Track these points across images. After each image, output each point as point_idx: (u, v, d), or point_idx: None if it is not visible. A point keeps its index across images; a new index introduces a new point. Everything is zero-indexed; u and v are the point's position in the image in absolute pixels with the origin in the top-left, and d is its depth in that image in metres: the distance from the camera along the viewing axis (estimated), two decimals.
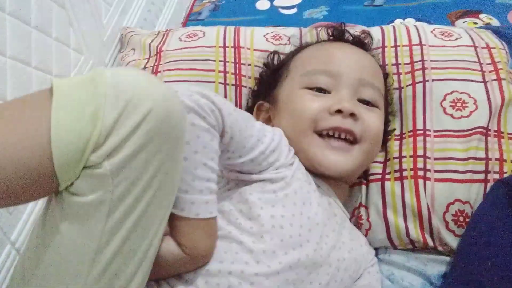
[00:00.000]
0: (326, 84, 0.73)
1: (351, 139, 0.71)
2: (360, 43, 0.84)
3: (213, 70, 0.89)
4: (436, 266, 0.75)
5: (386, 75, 0.84)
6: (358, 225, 0.78)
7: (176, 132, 0.49)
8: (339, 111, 0.70)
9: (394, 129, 0.82)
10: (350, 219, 0.79)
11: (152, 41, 0.98)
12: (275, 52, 0.88)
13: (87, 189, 0.47)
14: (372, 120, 0.73)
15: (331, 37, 0.86)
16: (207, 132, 0.58)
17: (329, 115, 0.70)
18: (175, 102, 0.49)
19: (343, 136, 0.70)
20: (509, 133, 0.79)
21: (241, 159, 0.64)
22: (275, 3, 1.50)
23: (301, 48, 0.85)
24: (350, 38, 0.85)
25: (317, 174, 0.71)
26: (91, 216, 0.47)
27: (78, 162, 0.45)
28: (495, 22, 1.28)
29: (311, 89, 0.74)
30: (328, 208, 0.69)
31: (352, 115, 0.70)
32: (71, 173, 0.46)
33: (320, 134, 0.71)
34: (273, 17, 1.44)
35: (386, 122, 0.80)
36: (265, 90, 0.83)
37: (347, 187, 0.78)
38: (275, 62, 0.87)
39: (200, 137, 0.57)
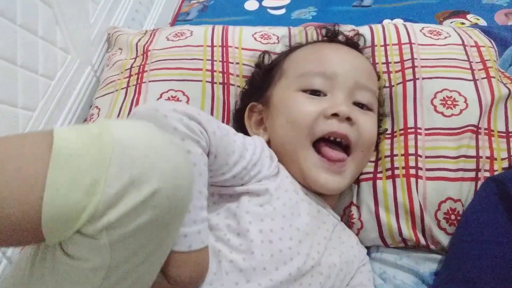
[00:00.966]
0: (322, 86, 0.72)
1: (346, 144, 0.70)
2: (354, 44, 0.83)
3: (200, 69, 0.88)
4: (428, 264, 0.75)
5: (378, 77, 0.83)
6: (349, 224, 0.78)
7: (182, 205, 0.47)
8: (335, 115, 0.69)
9: (386, 130, 0.82)
10: (341, 218, 0.78)
11: (139, 40, 0.97)
12: (266, 52, 0.87)
13: (84, 255, 0.43)
14: (367, 124, 0.72)
15: (325, 38, 0.85)
16: (201, 159, 0.56)
17: (325, 119, 0.69)
18: (185, 175, 0.46)
19: (338, 139, 0.70)
20: (499, 131, 0.79)
21: (224, 176, 0.62)
22: (264, 3, 1.50)
23: (294, 48, 0.84)
24: (344, 39, 0.84)
25: None
26: (86, 279, 0.44)
27: (68, 229, 0.42)
28: (482, 22, 1.29)
29: (306, 91, 0.73)
30: (317, 216, 0.69)
31: (348, 119, 0.69)
32: (59, 236, 0.43)
33: (317, 143, 0.70)
34: (261, 18, 1.44)
35: (378, 124, 0.80)
36: (257, 91, 0.82)
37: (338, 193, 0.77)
38: (266, 62, 0.86)
39: (196, 164, 0.55)
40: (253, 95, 0.82)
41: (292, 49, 0.84)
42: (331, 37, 0.84)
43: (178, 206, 0.46)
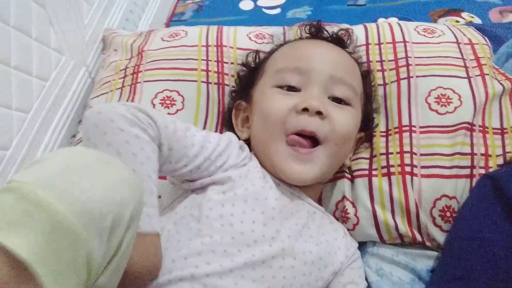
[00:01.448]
0: (296, 82, 0.72)
1: (316, 139, 0.70)
2: (337, 40, 0.83)
3: (195, 69, 0.88)
4: (425, 261, 0.75)
5: (367, 73, 0.83)
6: (343, 219, 0.78)
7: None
8: (305, 110, 0.68)
9: (377, 125, 0.82)
10: (334, 212, 0.79)
11: (134, 41, 0.96)
12: (255, 51, 0.87)
13: None
14: (342, 119, 0.71)
15: (308, 35, 0.85)
16: (149, 145, 0.59)
17: (296, 114, 0.69)
18: (141, 188, 0.48)
19: (308, 134, 0.69)
20: (493, 128, 0.79)
21: (187, 167, 0.65)
22: (259, 3, 1.50)
23: (278, 46, 0.84)
24: (327, 35, 0.84)
25: None
26: None
27: None
28: (476, 20, 1.30)
29: (282, 87, 0.73)
30: (290, 203, 0.69)
31: (319, 113, 0.68)
32: None
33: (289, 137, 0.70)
34: (256, 17, 1.44)
35: (366, 120, 0.80)
36: (243, 89, 0.82)
37: (320, 185, 0.77)
38: (257, 61, 0.86)
39: (144, 149, 0.58)
40: (240, 94, 0.83)
41: (276, 47, 0.84)
42: (313, 33, 0.84)
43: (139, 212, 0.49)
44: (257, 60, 0.86)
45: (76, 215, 0.39)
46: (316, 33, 0.84)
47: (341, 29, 0.87)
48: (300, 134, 0.69)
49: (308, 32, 0.85)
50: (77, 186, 0.41)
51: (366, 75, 0.82)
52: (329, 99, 0.72)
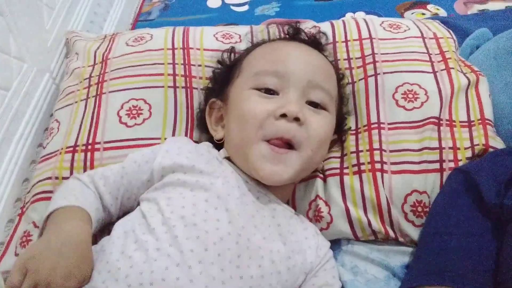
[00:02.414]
0: (274, 85, 0.72)
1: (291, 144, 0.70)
2: (315, 43, 0.82)
3: (162, 74, 0.86)
4: (399, 257, 0.76)
5: (342, 76, 0.83)
6: (317, 218, 0.78)
7: None
8: (283, 115, 0.68)
9: (350, 128, 0.82)
10: (308, 212, 0.79)
11: (98, 47, 0.94)
12: (231, 49, 0.86)
13: None
14: (318, 124, 0.71)
15: (286, 36, 0.85)
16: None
17: (274, 119, 0.69)
18: None
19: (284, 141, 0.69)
20: (461, 121, 0.80)
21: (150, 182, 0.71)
22: (227, 0, 1.49)
23: (255, 46, 0.83)
24: (305, 37, 0.83)
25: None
26: None
27: None
28: (442, 12, 1.32)
29: (260, 89, 0.72)
30: (256, 201, 0.69)
31: (297, 119, 0.68)
32: None
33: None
34: (225, 15, 1.43)
35: (339, 122, 0.80)
36: (218, 87, 0.81)
37: (291, 185, 0.77)
38: (232, 58, 0.85)
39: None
40: (215, 92, 0.82)
41: (253, 46, 0.83)
42: (292, 35, 0.84)
43: None
44: (232, 58, 0.85)
45: None
46: (294, 34, 0.83)
47: (318, 32, 0.86)
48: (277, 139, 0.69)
49: (286, 33, 0.84)
50: None
51: (341, 78, 0.82)
52: (306, 103, 0.72)
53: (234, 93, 0.76)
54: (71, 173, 0.77)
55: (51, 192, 0.76)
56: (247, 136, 0.70)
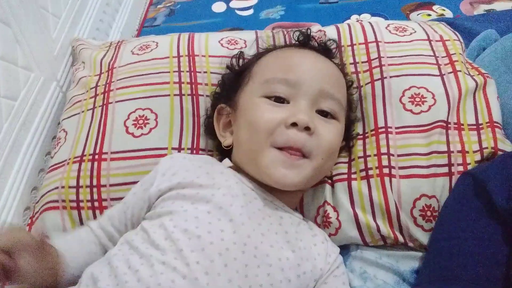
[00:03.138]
0: (285, 94, 0.71)
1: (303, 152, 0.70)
2: (325, 50, 0.82)
3: (168, 83, 0.86)
4: (408, 262, 0.76)
5: (351, 82, 0.83)
6: (325, 223, 0.78)
7: None
8: (294, 124, 0.68)
9: (358, 134, 0.82)
10: (316, 218, 0.79)
11: (103, 56, 0.94)
12: (239, 54, 0.86)
13: None
14: (328, 134, 0.71)
15: (296, 42, 0.84)
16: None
17: (284, 128, 0.68)
18: None
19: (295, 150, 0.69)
20: (469, 124, 0.79)
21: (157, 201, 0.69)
22: (231, 4, 1.49)
23: (265, 52, 0.83)
24: (315, 44, 0.83)
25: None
26: None
27: None
28: (448, 13, 1.31)
29: (270, 97, 0.72)
30: (262, 209, 0.68)
31: (307, 128, 0.68)
32: None
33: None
34: (230, 19, 1.43)
35: (348, 130, 0.79)
36: (226, 93, 0.81)
37: (299, 193, 0.77)
38: (240, 63, 0.85)
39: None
40: (223, 97, 0.81)
41: (263, 52, 0.83)
42: (302, 42, 0.83)
43: None
44: (241, 63, 0.85)
45: None
46: (306, 41, 0.83)
47: (328, 39, 0.86)
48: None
49: (296, 40, 0.84)
50: None
51: (350, 86, 0.82)
52: (316, 112, 0.72)
53: (243, 100, 0.75)
54: (78, 182, 0.78)
55: (58, 201, 0.77)
56: (258, 143, 0.69)
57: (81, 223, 0.77)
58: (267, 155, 0.68)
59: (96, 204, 0.78)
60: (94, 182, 0.78)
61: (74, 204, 0.78)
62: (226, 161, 0.76)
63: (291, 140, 0.68)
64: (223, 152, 0.80)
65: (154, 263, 0.59)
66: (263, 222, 0.67)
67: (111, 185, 0.78)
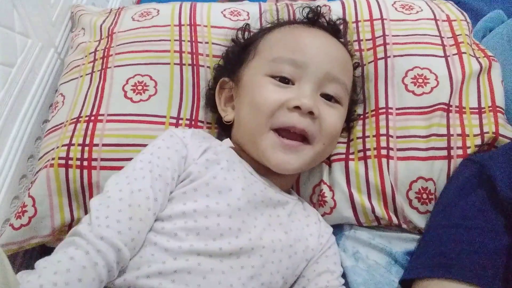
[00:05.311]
0: (291, 74, 0.70)
1: (305, 136, 0.69)
2: (334, 30, 0.80)
3: (168, 51, 0.84)
4: (401, 244, 0.76)
5: (357, 64, 0.82)
6: (321, 202, 0.78)
7: None
8: (297, 108, 0.67)
9: (359, 115, 0.81)
10: (311, 196, 0.79)
11: (103, 21, 0.92)
12: (245, 27, 0.84)
13: None
14: (331, 119, 0.70)
15: (305, 19, 0.82)
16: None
17: (287, 110, 0.68)
18: None
19: (297, 132, 0.69)
20: (471, 108, 0.79)
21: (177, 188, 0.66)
22: None
23: (272, 27, 0.81)
24: (325, 22, 0.81)
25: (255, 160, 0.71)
26: None
27: None
28: None
29: (275, 77, 0.71)
30: (260, 192, 0.68)
31: (311, 113, 0.67)
32: None
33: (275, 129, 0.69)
34: None
35: (349, 111, 0.79)
36: (230, 67, 0.80)
37: (296, 174, 0.77)
38: (246, 36, 0.83)
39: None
40: (226, 71, 0.80)
41: (270, 28, 0.81)
42: (312, 19, 0.81)
43: None
44: (246, 37, 0.83)
45: None
46: (315, 19, 0.81)
47: (338, 19, 0.84)
48: (288, 130, 0.68)
49: (305, 17, 0.82)
50: None
51: (356, 67, 0.81)
52: (320, 95, 0.71)
53: (248, 76, 0.74)
54: (70, 141, 0.76)
55: (53, 159, 0.75)
56: (258, 124, 0.69)
57: (67, 182, 0.75)
58: (265, 138, 0.68)
59: (85, 163, 0.75)
60: (87, 141, 0.76)
61: (63, 162, 0.75)
62: (227, 141, 0.75)
63: (293, 121, 0.67)
64: (223, 126, 0.79)
65: (146, 245, 0.60)
66: (259, 206, 0.67)
67: (103, 145, 0.76)
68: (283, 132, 0.69)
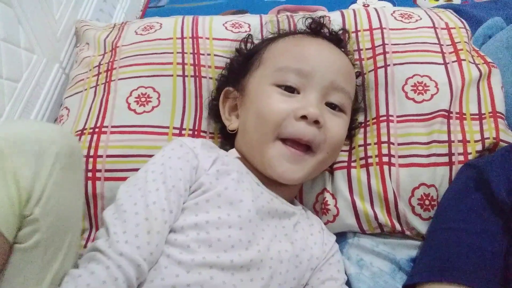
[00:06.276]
0: (296, 84, 0.71)
1: (308, 145, 0.70)
2: (337, 40, 0.81)
3: (171, 63, 0.86)
4: (405, 251, 0.76)
5: (358, 73, 0.83)
6: (324, 210, 0.78)
7: (79, 159, 0.63)
8: (304, 117, 0.68)
9: (361, 123, 0.82)
10: (314, 204, 0.79)
11: (107, 36, 0.94)
12: (248, 38, 0.86)
13: (26, 236, 0.54)
14: (336, 128, 0.71)
15: (308, 30, 0.83)
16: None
17: (293, 120, 0.68)
18: (72, 137, 0.56)
19: (303, 142, 0.69)
20: (471, 114, 0.79)
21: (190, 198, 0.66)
22: None
23: (277, 37, 0.82)
24: (328, 33, 0.82)
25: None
26: (30, 263, 0.54)
27: (16, 218, 0.52)
28: None
29: (280, 86, 0.71)
30: (267, 204, 0.68)
31: (316, 122, 0.68)
32: (14, 227, 0.52)
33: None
34: (234, 1, 1.41)
35: (352, 120, 0.79)
36: (234, 76, 0.80)
37: (299, 185, 0.77)
38: (249, 47, 0.84)
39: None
40: (230, 80, 0.81)
41: (274, 38, 0.82)
42: (315, 30, 0.82)
43: (76, 161, 0.61)
44: (249, 47, 0.84)
45: (2, 138, 0.53)
46: (318, 30, 0.82)
47: (340, 29, 0.85)
48: (294, 140, 0.69)
49: (308, 27, 0.83)
50: (10, 125, 0.60)
51: (357, 77, 0.82)
52: (325, 104, 0.71)
53: (253, 85, 0.75)
54: None
55: None
56: (265, 133, 0.69)
57: None
58: (272, 147, 0.68)
59: (89, 174, 0.76)
60: (91, 153, 0.77)
61: None
62: (234, 151, 0.75)
63: (299, 132, 0.68)
64: (226, 136, 0.80)
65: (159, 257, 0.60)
66: (266, 217, 0.67)
67: (107, 156, 0.77)
68: (289, 141, 0.69)
